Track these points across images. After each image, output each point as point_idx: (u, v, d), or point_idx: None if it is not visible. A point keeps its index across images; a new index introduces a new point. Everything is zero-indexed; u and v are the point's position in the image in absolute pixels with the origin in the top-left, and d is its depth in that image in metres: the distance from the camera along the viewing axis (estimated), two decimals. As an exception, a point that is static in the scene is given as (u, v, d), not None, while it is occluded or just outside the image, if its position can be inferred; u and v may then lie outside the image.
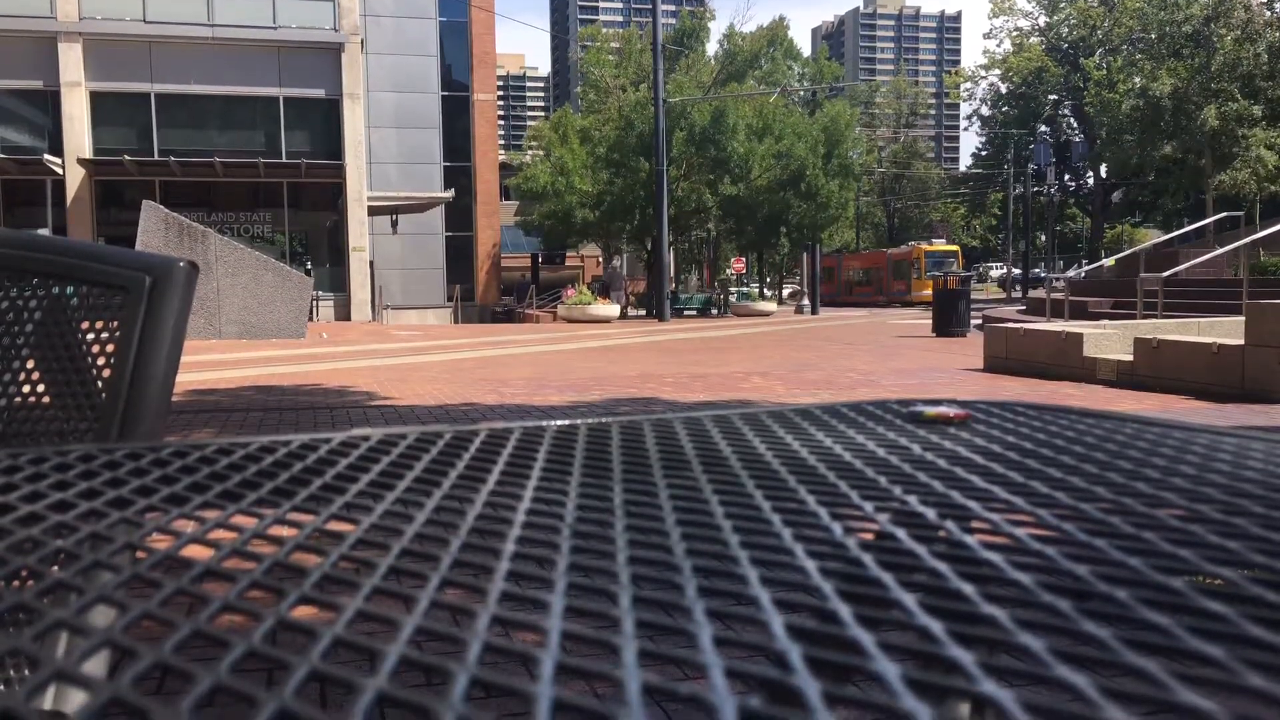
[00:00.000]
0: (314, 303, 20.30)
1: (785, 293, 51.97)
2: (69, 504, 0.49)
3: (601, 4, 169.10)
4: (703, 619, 0.32)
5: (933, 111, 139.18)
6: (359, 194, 23.36)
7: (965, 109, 63.63)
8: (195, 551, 0.41)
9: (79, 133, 22.15)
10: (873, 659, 0.29)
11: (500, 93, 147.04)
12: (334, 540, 0.43)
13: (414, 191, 28.34)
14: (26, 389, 1.04)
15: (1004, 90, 57.18)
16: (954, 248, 47.33)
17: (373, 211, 24.92)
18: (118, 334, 1.01)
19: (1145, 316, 10.81)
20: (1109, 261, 19.20)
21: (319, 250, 24.77)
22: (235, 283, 14.94)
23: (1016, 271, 52.99)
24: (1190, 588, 0.36)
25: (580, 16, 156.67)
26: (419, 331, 19.01)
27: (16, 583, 0.40)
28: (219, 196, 23.83)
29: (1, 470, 0.57)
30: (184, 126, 23.41)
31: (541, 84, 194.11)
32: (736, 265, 42.64)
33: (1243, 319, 7.00)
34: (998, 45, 68.99)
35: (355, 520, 0.47)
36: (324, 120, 23.70)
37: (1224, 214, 21.71)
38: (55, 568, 0.38)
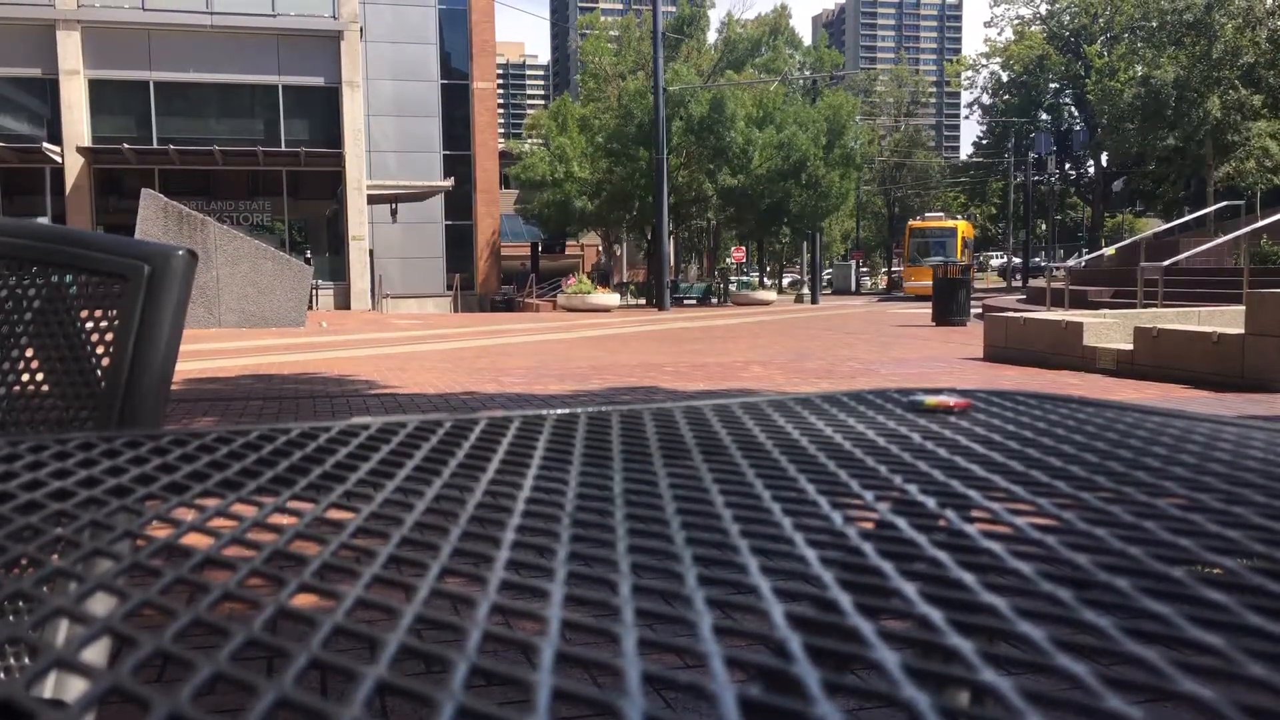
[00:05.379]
0: (313, 291, 20.29)
1: (785, 281, 51.97)
2: (68, 492, 0.49)
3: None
4: (703, 607, 0.32)
5: (933, 100, 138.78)
6: (358, 182, 23.32)
7: (966, 97, 63.43)
8: (195, 540, 0.41)
9: (78, 121, 22.10)
10: (872, 647, 0.29)
11: (500, 81, 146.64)
12: (334, 528, 0.43)
13: (413, 180, 28.30)
14: (26, 378, 1.03)
15: (1005, 78, 57.00)
16: (953, 223, 38.76)
17: (372, 200, 24.88)
18: (117, 322, 1.01)
19: (1145, 305, 10.80)
20: (1109, 250, 19.15)
21: (318, 239, 24.75)
22: (235, 271, 14.94)
23: (1016, 260, 52.96)
24: (1191, 577, 0.36)
25: (580, 4, 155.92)
26: (419, 320, 19.00)
27: (16, 570, 0.40)
28: (218, 185, 23.78)
29: (1, 458, 0.57)
30: (183, 115, 23.36)
31: (541, 72, 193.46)
32: (736, 254, 42.65)
33: (1243, 308, 7.00)
34: (999, 33, 68.97)
35: (355, 509, 0.47)
36: (323, 108, 23.65)
37: (1224, 203, 21.69)
38: (55, 555, 0.38)
